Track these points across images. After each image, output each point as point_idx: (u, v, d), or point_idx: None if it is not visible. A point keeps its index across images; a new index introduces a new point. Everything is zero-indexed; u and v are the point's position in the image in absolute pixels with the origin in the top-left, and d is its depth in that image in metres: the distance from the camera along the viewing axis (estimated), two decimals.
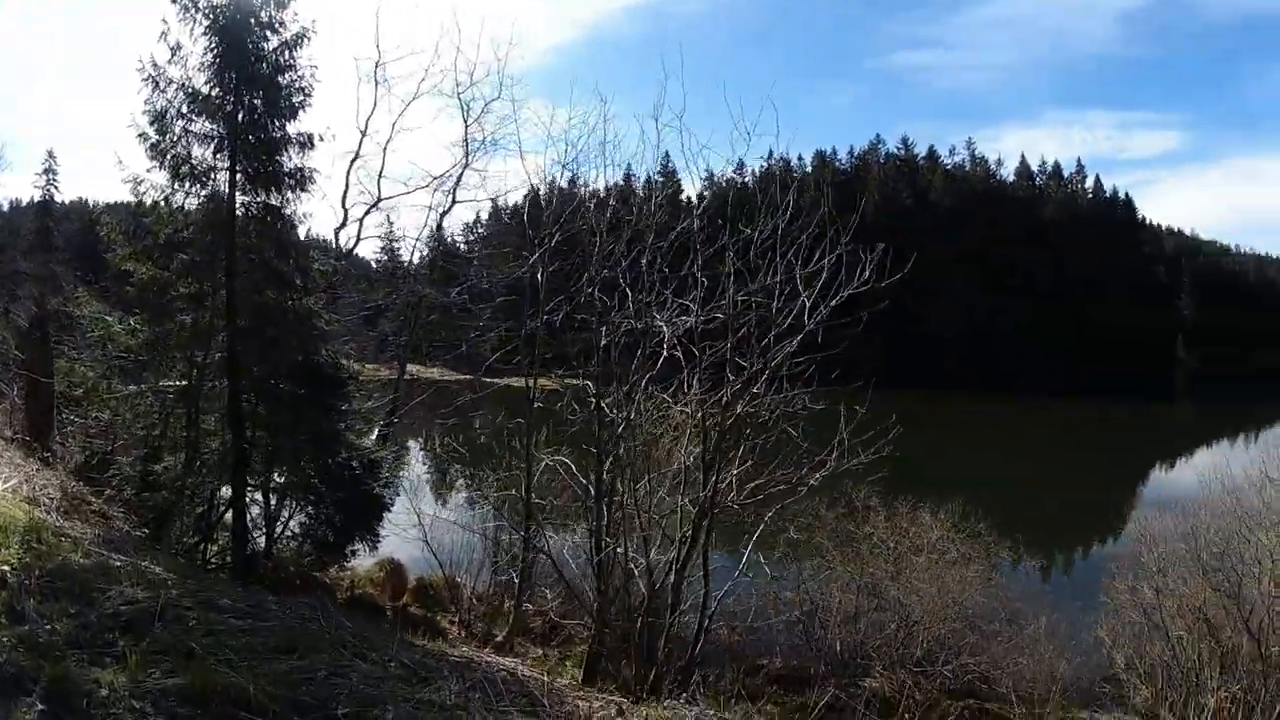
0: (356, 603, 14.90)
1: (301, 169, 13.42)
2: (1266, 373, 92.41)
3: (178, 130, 12.95)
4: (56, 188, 46.96)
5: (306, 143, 13.59)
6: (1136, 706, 10.80)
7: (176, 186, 12.97)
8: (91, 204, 70.83)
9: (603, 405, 8.85)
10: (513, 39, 18.23)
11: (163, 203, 13.00)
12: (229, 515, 13.48)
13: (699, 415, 8.35)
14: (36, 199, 45.92)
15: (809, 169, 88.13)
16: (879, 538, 13.81)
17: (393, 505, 14.63)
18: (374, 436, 15.07)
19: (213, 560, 13.47)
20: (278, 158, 13.27)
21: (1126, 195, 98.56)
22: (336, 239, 16.28)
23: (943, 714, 10.89)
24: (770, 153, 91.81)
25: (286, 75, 13.36)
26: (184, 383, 13.12)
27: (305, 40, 13.36)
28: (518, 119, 17.16)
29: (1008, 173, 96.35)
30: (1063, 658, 11.48)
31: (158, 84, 12.89)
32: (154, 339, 12.72)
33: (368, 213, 16.36)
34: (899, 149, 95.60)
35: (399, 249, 28.86)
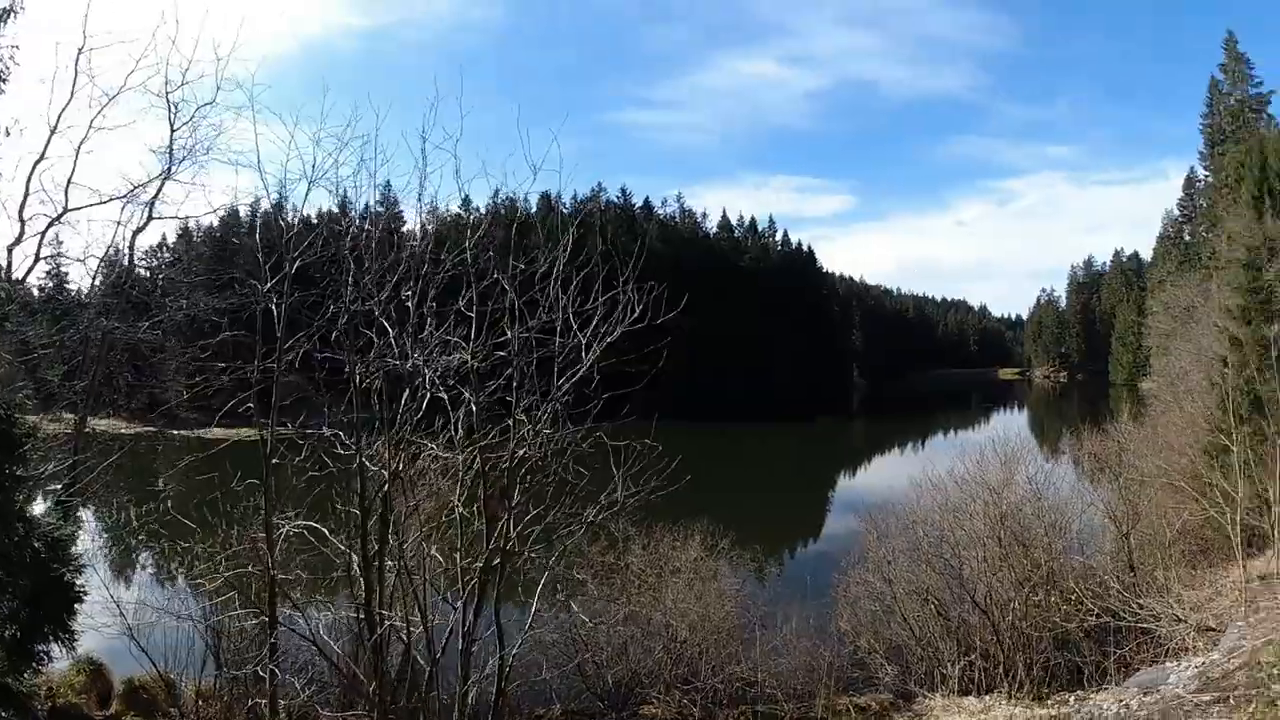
0: (60, 716, 11.31)
1: None
2: (918, 390, 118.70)
3: None
4: None
5: None
6: (888, 685, 12.09)
7: None
8: None
9: (363, 459, 7.62)
10: (236, 41, 15.23)
11: None
12: None
13: (474, 461, 7.60)
14: None
15: (533, 209, 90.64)
16: (639, 566, 13.93)
17: (87, 593, 11.31)
18: (43, 508, 11.52)
19: None
20: None
21: (809, 247, 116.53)
22: (10, 257, 12.29)
23: None
24: (496, 191, 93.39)
25: None
26: None
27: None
28: (230, 127, 14.12)
29: (711, 225, 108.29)
30: (819, 651, 12.47)
31: None
32: None
33: (50, 225, 12.55)
34: (619, 198, 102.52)
35: (66, 273, 23.05)
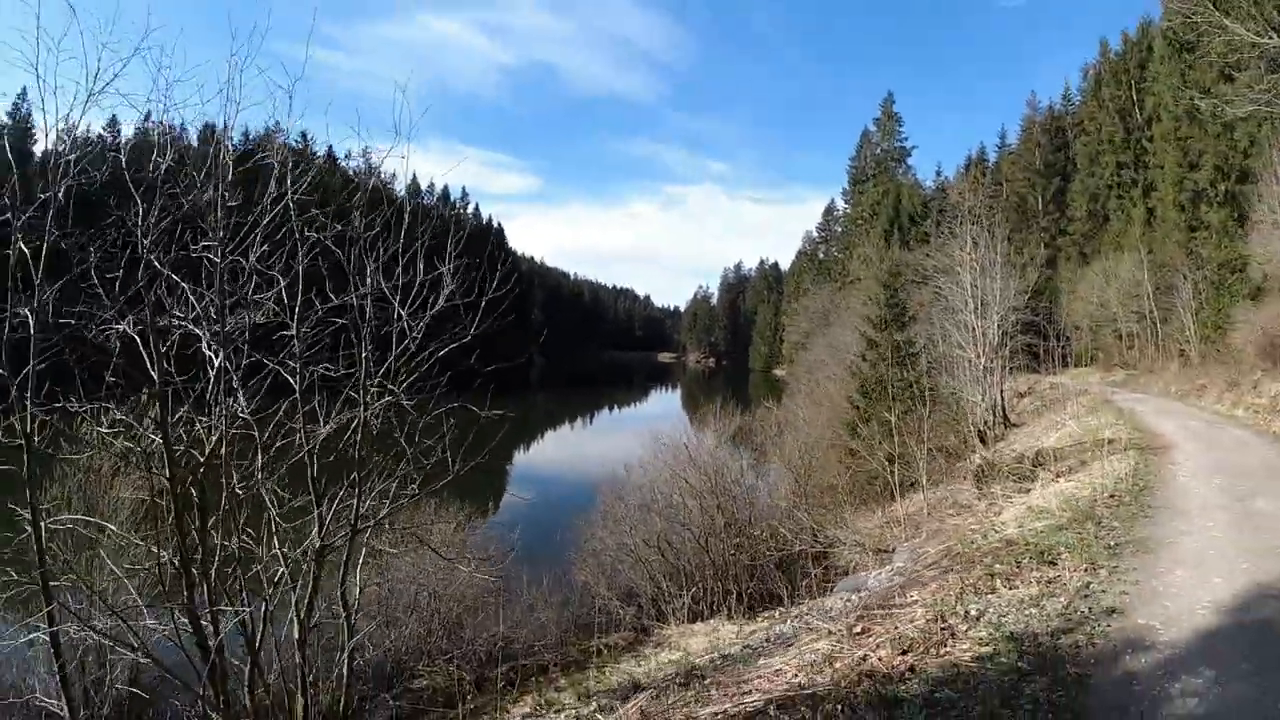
0: None
1: None
2: (589, 368, 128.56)
3: None
4: None
5: None
6: (628, 623, 13.79)
7: None
8: None
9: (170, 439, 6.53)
10: None
11: None
12: None
13: (298, 438, 7.08)
14: None
15: (193, 141, 76.83)
16: (387, 544, 13.73)
17: None
18: None
19: None
20: None
21: (499, 224, 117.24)
22: None
23: (492, 682, 11.76)
24: (148, 115, 76.50)
25: None
26: None
27: None
28: None
29: (399, 188, 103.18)
30: (567, 603, 13.83)
31: None
32: None
33: None
34: (298, 142, 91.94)
35: None
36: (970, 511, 12.73)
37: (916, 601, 7.23)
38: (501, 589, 14.47)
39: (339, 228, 8.33)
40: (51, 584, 6.64)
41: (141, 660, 7.67)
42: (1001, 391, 22.06)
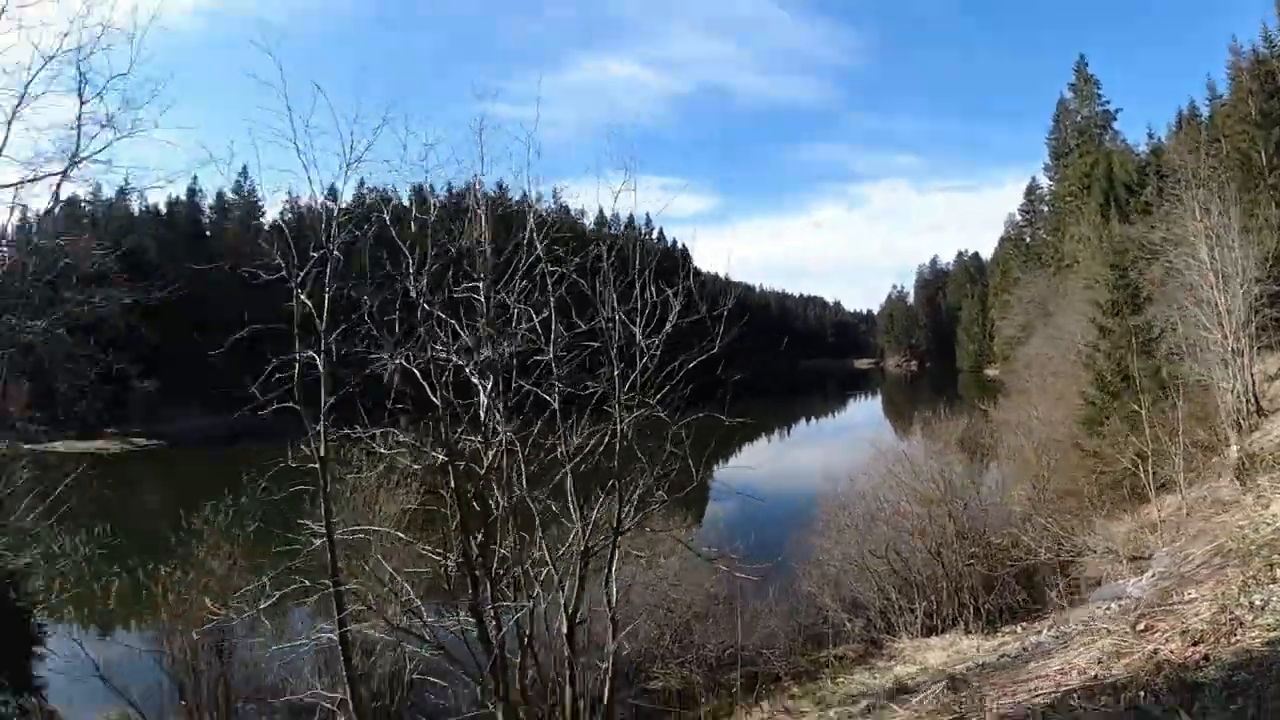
0: None
1: None
2: (787, 378, 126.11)
3: None
4: None
5: None
6: (857, 635, 13.48)
7: None
8: None
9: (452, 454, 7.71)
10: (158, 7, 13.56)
11: None
12: None
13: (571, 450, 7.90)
14: None
15: (406, 202, 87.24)
16: (632, 548, 14.45)
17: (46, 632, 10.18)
18: None
19: None
20: None
21: (683, 245, 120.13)
22: None
23: (725, 687, 12.03)
24: (361, 183, 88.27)
25: None
26: None
27: None
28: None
29: (589, 222, 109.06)
30: (795, 612, 13.71)
31: None
32: None
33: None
34: (495, 192, 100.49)
35: None
36: (1237, 507, 11.32)
37: (1196, 598, 7.12)
38: (728, 596, 14.63)
39: (576, 260, 9.38)
40: (341, 588, 8.02)
41: (429, 654, 8.96)
42: (1252, 375, 18.77)
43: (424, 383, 8.14)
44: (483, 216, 8.82)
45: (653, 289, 8.53)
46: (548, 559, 7.92)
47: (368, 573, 9.11)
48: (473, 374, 8.27)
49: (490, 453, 8.07)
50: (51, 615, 10.60)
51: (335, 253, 8.37)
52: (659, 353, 8.14)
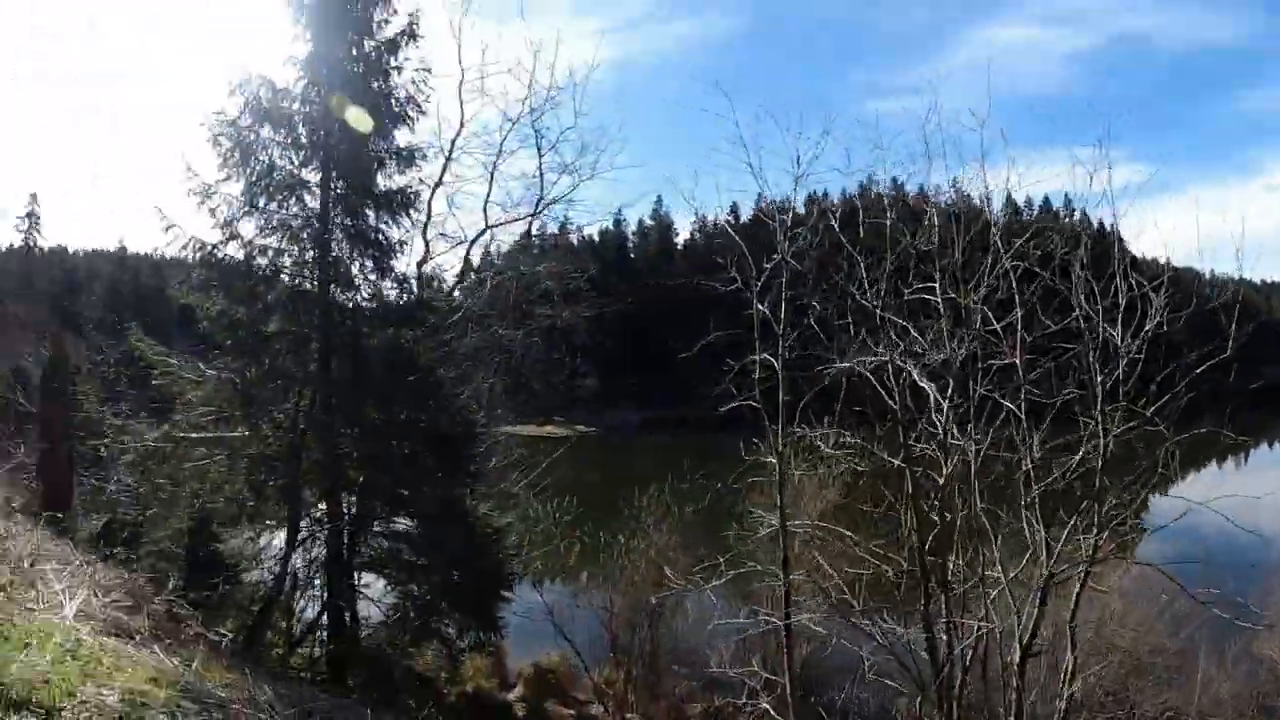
0: (470, 700, 12.49)
1: (404, 190, 11.39)
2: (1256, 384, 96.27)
3: (259, 135, 10.91)
4: (39, 232, 44.10)
5: (407, 159, 11.62)
6: None
7: (257, 195, 10.82)
8: (71, 251, 67.35)
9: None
10: (593, 63, 17.37)
11: (238, 215, 10.83)
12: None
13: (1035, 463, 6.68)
14: (17, 244, 42.89)
15: (800, 209, 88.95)
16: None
17: (516, 580, 12.28)
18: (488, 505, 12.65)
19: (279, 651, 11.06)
20: (376, 173, 11.30)
21: (1114, 227, 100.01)
22: (419, 274, 14.02)
23: None
24: (759, 195, 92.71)
25: (390, 79, 11.45)
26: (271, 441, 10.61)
27: (412, 40, 11.47)
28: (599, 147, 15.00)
29: (996, 211, 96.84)
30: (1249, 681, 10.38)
31: (239, 87, 10.87)
32: (242, 387, 10.28)
33: (476, 239, 14.22)
34: (890, 191, 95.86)
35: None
36: None
37: None
38: (1179, 650, 12.27)
39: (1037, 255, 8.34)
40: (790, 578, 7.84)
41: (869, 659, 8.50)
42: None
43: (879, 387, 7.77)
44: (933, 215, 8.28)
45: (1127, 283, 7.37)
46: (1003, 580, 7.17)
47: (817, 567, 8.91)
48: (921, 379, 7.68)
49: (950, 462, 7.55)
50: (523, 568, 12.52)
51: (789, 261, 8.50)
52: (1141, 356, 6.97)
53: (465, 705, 12.28)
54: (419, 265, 12.81)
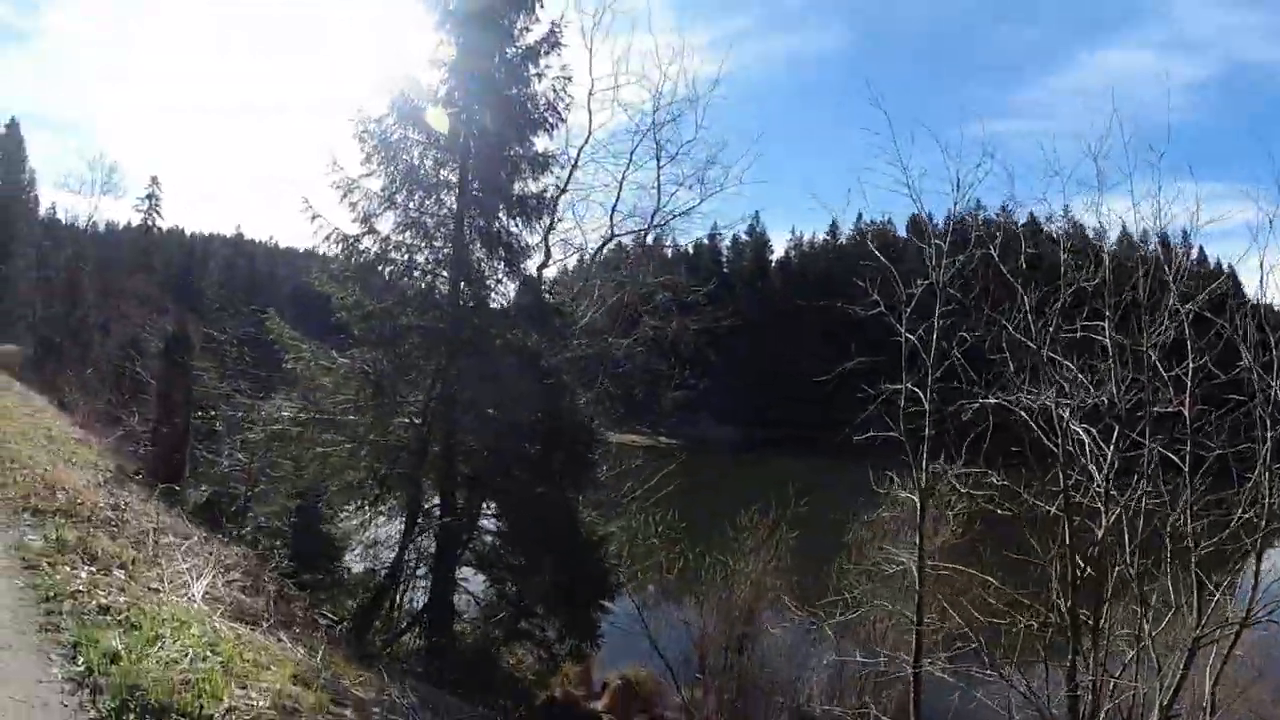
0: (557, 704, 12.41)
1: (540, 195, 11.53)
2: None
3: (402, 134, 11.21)
4: (159, 213, 46.96)
5: (542, 165, 11.75)
6: None
7: (396, 191, 11.12)
8: (189, 234, 71.66)
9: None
10: (718, 77, 17.60)
11: (377, 211, 11.15)
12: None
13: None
14: (136, 223, 45.79)
15: (903, 232, 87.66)
16: None
17: (620, 589, 12.16)
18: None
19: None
20: (512, 177, 11.45)
21: (1230, 266, 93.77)
22: (540, 277, 14.08)
23: None
24: (859, 215, 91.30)
25: (530, 85, 11.61)
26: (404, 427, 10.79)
27: (553, 49, 11.60)
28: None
29: (1110, 243, 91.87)
30: None
31: (384, 86, 11.22)
32: (374, 377, 10.52)
33: (600, 249, 14.31)
34: (998, 215, 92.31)
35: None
36: None
37: None
38: None
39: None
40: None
41: (998, 709, 8.04)
42: None
43: (1034, 426, 7.36)
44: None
45: None
46: (1147, 639, 6.77)
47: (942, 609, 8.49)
48: (1072, 421, 7.29)
49: (1110, 512, 7.11)
50: (625, 578, 12.38)
51: (942, 286, 8.14)
52: None
53: (554, 710, 12.21)
54: (539, 269, 12.92)
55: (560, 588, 11.13)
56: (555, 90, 11.63)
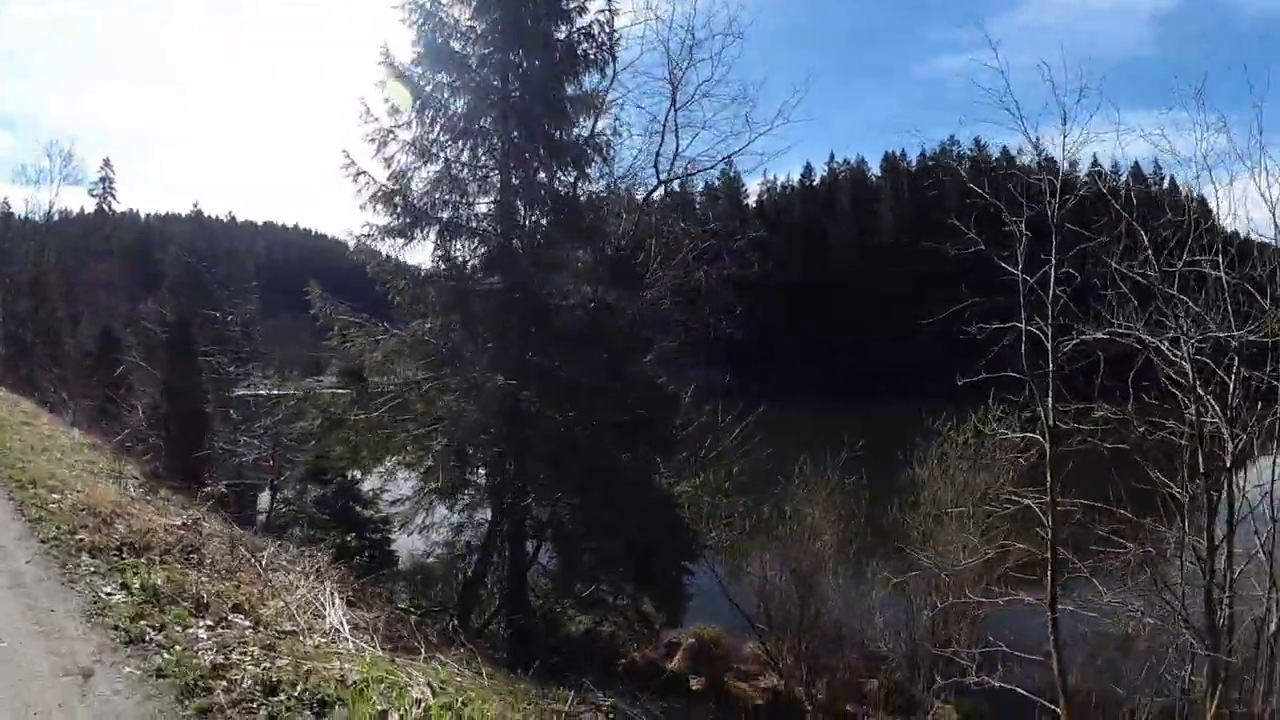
0: (642, 673, 12.06)
1: (595, 138, 10.67)
2: None
3: (435, 79, 10.31)
4: (114, 197, 44.39)
5: (596, 106, 10.86)
6: None
7: (430, 143, 10.26)
8: (143, 216, 67.84)
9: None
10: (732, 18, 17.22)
11: (414, 165, 10.31)
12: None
13: None
14: (90, 210, 43.17)
15: (877, 173, 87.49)
16: None
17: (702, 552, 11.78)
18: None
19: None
20: (557, 122, 10.57)
21: (1201, 195, 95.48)
22: (599, 228, 13.05)
23: None
24: (831, 156, 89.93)
25: (572, 21, 10.68)
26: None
27: None
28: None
29: (1081, 174, 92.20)
30: None
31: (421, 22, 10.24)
32: (446, 345, 9.76)
33: (650, 195, 13.33)
34: (972, 150, 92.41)
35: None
36: None
37: None
38: None
39: None
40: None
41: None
42: None
43: (1158, 360, 7.31)
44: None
45: None
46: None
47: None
48: (1192, 353, 7.46)
49: (1236, 440, 7.36)
50: (706, 539, 11.99)
51: (1058, 223, 7.88)
52: None
53: (635, 674, 11.92)
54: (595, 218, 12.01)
55: (639, 556, 10.69)
56: (600, 24, 10.73)
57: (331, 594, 5.46)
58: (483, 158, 10.52)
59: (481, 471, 10.29)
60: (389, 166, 10.35)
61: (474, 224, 10.46)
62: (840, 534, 12.96)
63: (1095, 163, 13.26)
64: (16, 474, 7.80)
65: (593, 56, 10.60)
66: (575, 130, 10.71)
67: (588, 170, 10.69)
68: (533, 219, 10.46)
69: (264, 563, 6.11)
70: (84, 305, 33.35)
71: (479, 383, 8.95)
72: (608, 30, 10.79)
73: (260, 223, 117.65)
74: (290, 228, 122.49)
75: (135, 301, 35.26)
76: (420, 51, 10.30)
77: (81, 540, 5.50)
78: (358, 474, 14.49)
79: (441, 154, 10.45)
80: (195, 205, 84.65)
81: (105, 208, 43.35)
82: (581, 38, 10.58)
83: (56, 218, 33.68)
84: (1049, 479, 7.81)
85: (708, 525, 11.89)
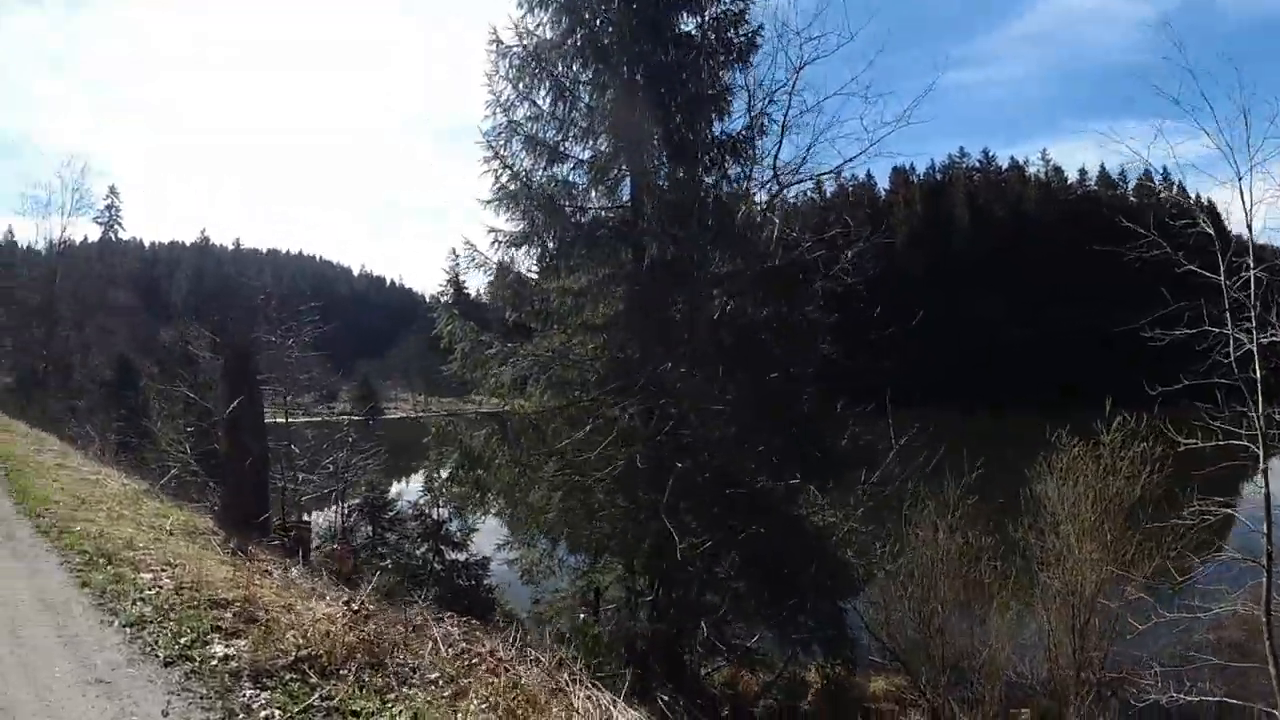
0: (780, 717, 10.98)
1: (739, 134, 9.77)
2: None
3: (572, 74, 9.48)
4: (120, 225, 43.19)
5: (723, 104, 9.96)
6: None
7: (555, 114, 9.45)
8: (148, 244, 66.68)
9: None
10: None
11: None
12: None
13: None
14: (95, 238, 41.78)
15: (887, 186, 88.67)
16: None
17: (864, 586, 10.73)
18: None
19: None
20: (703, 116, 9.66)
21: (1209, 200, 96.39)
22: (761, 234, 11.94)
23: None
24: (838, 173, 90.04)
25: (704, 9, 9.85)
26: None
27: None
28: None
29: (1090, 183, 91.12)
30: None
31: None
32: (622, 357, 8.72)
33: (775, 197, 12.24)
34: (981, 162, 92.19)
35: None
36: None
37: None
38: None
39: None
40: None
41: None
42: None
43: None
44: None
45: None
46: None
47: None
48: None
49: None
50: (863, 572, 10.96)
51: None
52: None
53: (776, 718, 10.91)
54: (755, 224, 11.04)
55: (800, 597, 9.53)
56: (731, 17, 9.88)
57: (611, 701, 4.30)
58: (619, 152, 9.60)
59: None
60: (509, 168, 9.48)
61: (608, 226, 9.54)
62: (968, 556, 12.06)
63: None
64: (76, 541, 5.69)
65: (735, 43, 9.74)
66: (718, 126, 9.83)
67: (729, 171, 9.80)
68: (674, 227, 9.50)
69: (495, 655, 4.57)
70: (94, 334, 31.97)
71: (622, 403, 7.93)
72: (739, 26, 9.96)
73: (265, 250, 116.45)
74: (295, 254, 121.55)
75: (148, 329, 34.10)
76: (551, 39, 9.45)
77: (228, 658, 3.74)
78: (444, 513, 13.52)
79: (570, 153, 9.60)
80: (203, 233, 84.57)
81: (112, 235, 42.07)
82: (711, 29, 9.76)
83: (62, 248, 32.40)
84: (1265, 483, 7.53)
85: (858, 555, 10.82)
